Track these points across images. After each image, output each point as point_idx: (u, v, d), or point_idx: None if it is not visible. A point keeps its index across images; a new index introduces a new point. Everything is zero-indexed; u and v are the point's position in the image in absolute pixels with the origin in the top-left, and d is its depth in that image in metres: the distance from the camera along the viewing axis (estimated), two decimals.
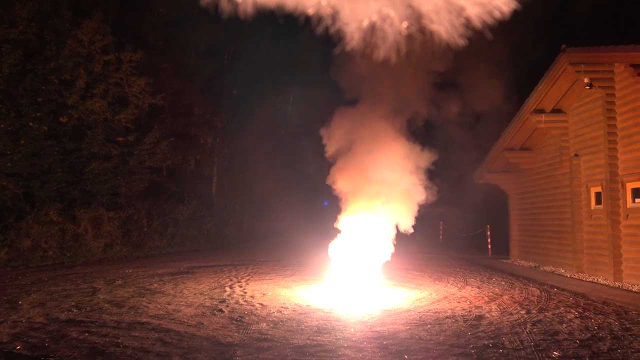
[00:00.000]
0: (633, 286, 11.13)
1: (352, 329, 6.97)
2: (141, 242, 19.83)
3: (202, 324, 7.18)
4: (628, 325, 7.21)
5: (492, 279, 12.28)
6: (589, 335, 6.67)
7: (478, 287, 10.86)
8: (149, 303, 8.70)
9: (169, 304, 8.61)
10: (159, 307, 8.38)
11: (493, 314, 8.02)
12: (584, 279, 12.55)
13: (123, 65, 18.66)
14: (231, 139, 28.67)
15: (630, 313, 8.13)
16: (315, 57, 31.78)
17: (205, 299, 9.21)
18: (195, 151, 25.93)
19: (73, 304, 8.59)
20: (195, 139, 25.88)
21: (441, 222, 25.89)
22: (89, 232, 17.82)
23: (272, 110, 33.05)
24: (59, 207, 16.79)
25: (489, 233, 20.08)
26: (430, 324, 7.31)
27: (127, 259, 17.19)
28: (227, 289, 10.43)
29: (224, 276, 12.40)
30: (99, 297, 9.28)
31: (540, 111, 14.50)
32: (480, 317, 7.73)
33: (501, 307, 8.55)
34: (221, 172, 28.29)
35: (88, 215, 17.87)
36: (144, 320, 7.37)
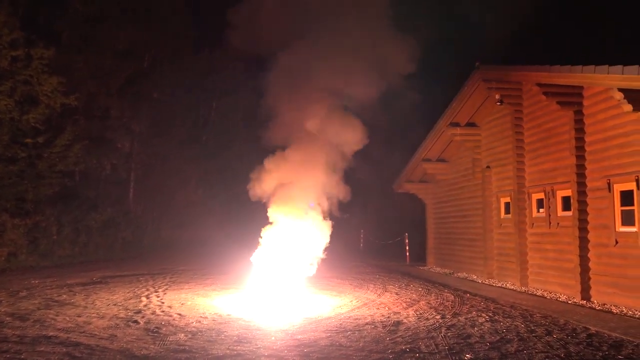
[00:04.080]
0: (537, 290, 11.89)
1: (273, 338, 6.92)
2: (50, 251, 18.61)
3: (116, 336, 6.84)
4: (533, 327, 7.67)
5: (410, 285, 12.66)
6: (498, 337, 7.03)
7: (397, 294, 11.15)
8: (57, 315, 8.17)
9: (79, 316, 8.13)
10: (67, 319, 7.89)
11: (410, 319, 8.26)
12: (494, 285, 13.24)
13: (33, 62, 17.55)
14: (150, 144, 27.68)
15: (535, 316, 8.66)
16: (238, 63, 31.59)
17: (120, 310, 8.80)
18: (111, 155, 24.80)
19: None
20: (111, 142, 24.77)
21: (362, 231, 26.40)
22: None
23: (194, 116, 32.35)
24: None
25: (407, 241, 20.72)
26: (351, 330, 7.40)
27: (33, 269, 16.07)
28: (144, 299, 10.02)
29: (140, 286, 11.92)
30: (0, 309, 8.60)
31: (456, 124, 15.21)
32: (398, 323, 7.93)
33: (418, 313, 8.82)
34: (139, 178, 27.22)
35: None
36: (51, 333, 6.91)
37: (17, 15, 17.95)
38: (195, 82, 30.71)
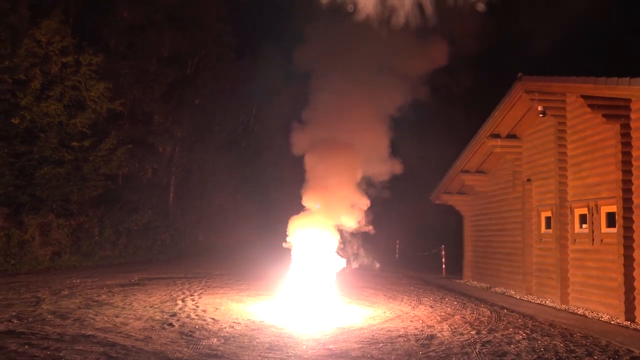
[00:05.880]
0: (578, 309, 11.49)
1: (305, 346, 6.91)
2: (92, 252, 19.20)
3: (151, 338, 6.97)
4: (572, 347, 7.41)
5: (445, 298, 12.45)
6: (535, 356, 6.82)
7: (431, 307, 10.98)
8: (96, 315, 8.40)
9: (116, 317, 8.33)
10: (106, 319, 8.10)
11: (444, 333, 8.11)
12: (533, 301, 12.87)
13: (82, 68, 18.23)
14: (191, 150, 28.28)
15: (575, 335, 8.37)
16: (279, 71, 31.91)
17: (156, 312, 8.97)
18: (152, 160, 25.44)
19: (14, 314, 8.21)
20: (153, 147, 25.41)
21: (397, 241, 26.16)
22: (36, 239, 17.15)
23: (234, 122, 32.86)
24: (5, 212, 16.11)
25: (443, 253, 20.41)
26: (383, 342, 7.32)
27: (75, 268, 16.60)
28: (179, 302, 10.19)
29: (177, 289, 12.13)
30: (43, 307, 8.91)
31: (496, 136, 14.92)
32: (431, 337, 7.80)
33: (452, 327, 8.66)
34: (179, 183, 27.81)
35: (36, 222, 17.20)
36: (89, 333, 7.10)
37: (68, 23, 18.69)
38: (236, 88, 31.22)
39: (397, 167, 10.98)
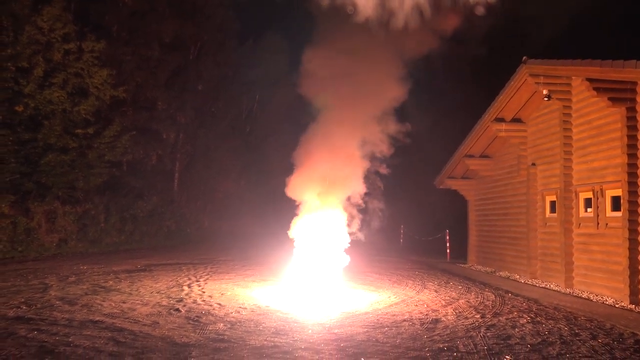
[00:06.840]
0: (583, 293, 11.53)
1: (310, 331, 6.97)
2: (98, 238, 19.33)
3: (158, 323, 7.04)
4: (577, 331, 7.45)
5: (449, 283, 12.50)
6: (539, 339, 6.86)
7: (435, 291, 11.03)
8: (103, 301, 8.48)
9: (124, 303, 8.41)
10: (113, 305, 8.18)
11: (449, 317, 8.16)
12: (537, 285, 12.91)
13: (84, 55, 18.19)
14: (195, 136, 28.30)
15: (580, 319, 8.41)
16: (283, 56, 31.81)
17: (162, 297, 9.05)
18: (157, 146, 25.48)
19: (22, 300, 8.30)
20: (157, 133, 25.42)
21: (402, 226, 26.22)
22: (42, 226, 17.26)
23: (237, 108, 32.83)
24: (11, 199, 16.19)
25: (448, 238, 20.44)
26: (388, 326, 7.38)
27: (82, 255, 16.72)
28: (185, 287, 10.27)
29: (183, 275, 12.22)
30: (51, 293, 9.00)
31: (501, 120, 14.85)
32: (436, 321, 7.85)
33: (457, 311, 8.71)
34: (183, 169, 27.87)
35: (42, 209, 17.31)
36: (97, 318, 7.18)
37: (69, 10, 18.61)
38: (239, 74, 31.14)
39: (407, 129, 10.83)
